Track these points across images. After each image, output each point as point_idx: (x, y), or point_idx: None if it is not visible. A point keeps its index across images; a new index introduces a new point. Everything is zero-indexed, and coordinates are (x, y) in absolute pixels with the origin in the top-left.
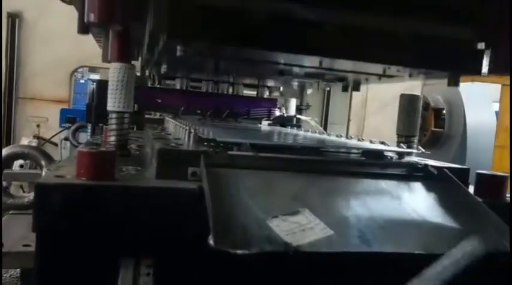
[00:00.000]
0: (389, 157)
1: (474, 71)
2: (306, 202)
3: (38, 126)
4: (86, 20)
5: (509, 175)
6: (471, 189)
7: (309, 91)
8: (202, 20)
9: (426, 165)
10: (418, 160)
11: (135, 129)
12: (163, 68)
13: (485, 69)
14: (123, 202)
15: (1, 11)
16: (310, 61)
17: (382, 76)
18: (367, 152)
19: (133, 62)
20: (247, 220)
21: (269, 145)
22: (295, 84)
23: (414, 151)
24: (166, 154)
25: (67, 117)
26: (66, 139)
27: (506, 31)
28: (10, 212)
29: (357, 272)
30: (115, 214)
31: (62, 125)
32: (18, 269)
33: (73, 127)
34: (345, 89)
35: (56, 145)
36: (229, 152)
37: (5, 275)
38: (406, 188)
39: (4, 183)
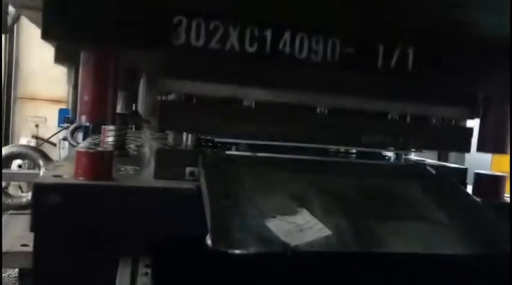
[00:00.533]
0: (387, 157)
1: (463, 149)
2: (303, 202)
3: (37, 126)
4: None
5: (507, 175)
6: (469, 189)
7: None
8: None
9: (424, 165)
10: (417, 159)
11: (133, 129)
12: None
13: (473, 147)
14: (121, 202)
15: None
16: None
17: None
18: (365, 152)
19: None
20: (245, 220)
21: (267, 144)
22: None
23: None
24: (164, 154)
25: (66, 117)
26: (64, 139)
27: (493, 111)
28: (9, 212)
29: (355, 272)
30: (113, 214)
31: (61, 125)
32: (17, 269)
33: (71, 127)
34: None
35: (55, 145)
36: (227, 152)
37: (3, 275)
38: (404, 187)
39: (3, 183)
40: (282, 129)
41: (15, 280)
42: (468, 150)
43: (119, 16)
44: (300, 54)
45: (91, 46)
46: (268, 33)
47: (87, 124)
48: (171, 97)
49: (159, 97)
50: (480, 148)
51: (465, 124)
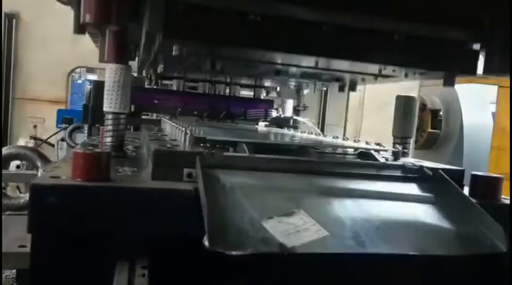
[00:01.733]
0: (384, 159)
1: (469, 72)
2: (301, 203)
3: (35, 126)
4: (81, 21)
5: (503, 176)
6: (466, 190)
7: (306, 91)
8: (198, 20)
9: (421, 166)
10: (414, 161)
11: (131, 130)
12: (160, 68)
13: (480, 69)
14: (118, 203)
15: (1, 11)
16: (307, 62)
17: (378, 76)
18: (361, 154)
19: (130, 62)
20: (243, 221)
21: (264, 146)
22: (292, 84)
23: (407, 151)
24: (162, 155)
25: (64, 118)
26: (62, 140)
27: (501, 32)
28: (6, 213)
29: (352, 273)
30: (110, 215)
31: (59, 126)
32: (14, 270)
33: (69, 128)
34: (341, 89)
35: (53, 146)
36: (225, 153)
37: None
38: (401, 189)
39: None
40: (285, 41)
41: (12, 281)
42: (474, 73)
43: None
44: None
45: None
46: None
47: (90, 22)
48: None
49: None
50: (487, 70)
51: (472, 46)
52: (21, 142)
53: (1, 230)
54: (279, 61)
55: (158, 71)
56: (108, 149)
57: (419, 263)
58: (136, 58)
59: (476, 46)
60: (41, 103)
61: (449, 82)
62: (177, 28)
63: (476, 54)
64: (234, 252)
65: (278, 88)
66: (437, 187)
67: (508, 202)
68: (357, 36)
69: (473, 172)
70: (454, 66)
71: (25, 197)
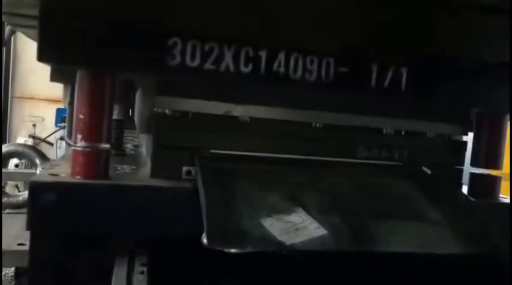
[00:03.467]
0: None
1: (455, 164)
2: (300, 201)
3: (34, 125)
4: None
5: (501, 175)
6: (465, 189)
7: None
8: None
9: (420, 165)
10: None
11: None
12: None
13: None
14: (117, 200)
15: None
16: None
17: None
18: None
19: None
20: (241, 219)
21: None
22: None
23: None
24: (161, 152)
25: (63, 117)
26: (61, 138)
27: (485, 126)
28: (5, 211)
29: (351, 271)
30: (109, 213)
31: (58, 124)
32: (13, 268)
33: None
34: None
35: (52, 144)
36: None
37: None
38: (400, 187)
39: None
40: (276, 143)
41: (11, 279)
42: (462, 164)
43: (114, 38)
44: (295, 74)
45: (86, 68)
46: (263, 54)
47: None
48: (167, 112)
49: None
50: (474, 163)
51: (459, 138)
52: (20, 140)
53: (1, 229)
54: None
55: None
56: (107, 148)
57: (417, 261)
58: None
59: (463, 138)
60: (40, 102)
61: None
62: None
63: (464, 146)
64: (232, 250)
65: None
66: (436, 185)
67: (506, 200)
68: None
69: (472, 171)
70: (442, 158)
71: (24, 195)
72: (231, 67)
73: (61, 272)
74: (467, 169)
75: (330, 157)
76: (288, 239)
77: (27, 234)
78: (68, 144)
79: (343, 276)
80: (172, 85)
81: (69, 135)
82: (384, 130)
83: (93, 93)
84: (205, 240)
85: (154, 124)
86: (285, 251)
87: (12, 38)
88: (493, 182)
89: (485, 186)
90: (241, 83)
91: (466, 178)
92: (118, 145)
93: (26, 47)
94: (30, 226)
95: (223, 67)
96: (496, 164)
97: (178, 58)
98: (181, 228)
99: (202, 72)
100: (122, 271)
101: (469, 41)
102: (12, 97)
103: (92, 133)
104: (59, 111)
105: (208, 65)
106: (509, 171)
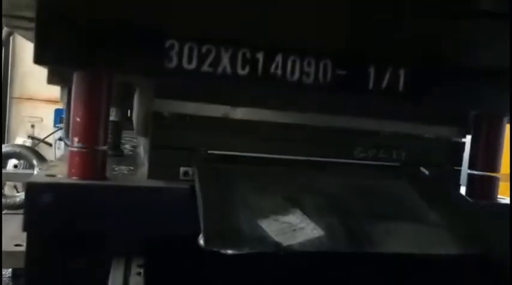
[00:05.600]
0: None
1: (455, 165)
2: (297, 202)
3: (33, 126)
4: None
5: (499, 176)
6: (463, 190)
7: None
8: None
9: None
10: None
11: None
12: None
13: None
14: (113, 201)
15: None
16: None
17: None
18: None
19: None
20: (238, 220)
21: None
22: None
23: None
24: (158, 153)
25: (62, 117)
26: (60, 139)
27: (484, 129)
28: (3, 212)
29: (348, 272)
30: (106, 214)
31: (57, 125)
32: (10, 269)
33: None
34: None
35: (51, 145)
36: (222, 151)
37: None
38: (397, 188)
39: None
40: (275, 145)
41: (8, 280)
42: (459, 165)
43: (111, 40)
44: (292, 76)
45: (83, 70)
46: (260, 56)
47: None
48: (164, 113)
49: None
50: (472, 166)
51: (457, 140)
52: (19, 141)
53: (1, 230)
54: None
55: None
56: (103, 148)
57: (415, 262)
58: None
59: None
60: (39, 103)
61: None
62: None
63: (462, 147)
64: (229, 251)
65: None
66: (434, 186)
67: (504, 201)
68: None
69: (470, 172)
70: (440, 159)
71: (21, 196)
72: (228, 70)
73: (58, 273)
74: (466, 169)
75: (327, 158)
76: (285, 240)
77: (25, 235)
78: (66, 145)
79: (341, 278)
80: (170, 88)
81: (66, 136)
82: (382, 133)
83: (89, 95)
84: (202, 242)
85: (151, 124)
86: (282, 252)
87: (10, 39)
88: (491, 183)
89: (483, 187)
90: (239, 85)
91: (464, 179)
92: (116, 146)
93: (24, 48)
94: (27, 226)
95: (220, 69)
96: (493, 167)
97: (175, 61)
98: (178, 229)
99: (199, 74)
100: (118, 272)
101: (467, 44)
102: (10, 97)
103: (89, 136)
104: (57, 111)
105: (205, 67)
106: (509, 172)
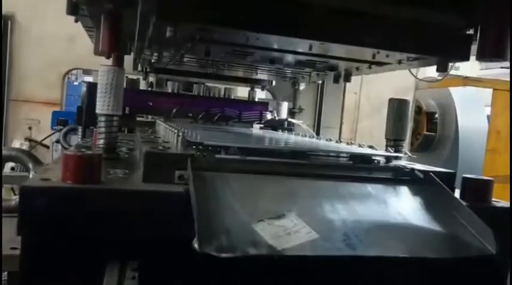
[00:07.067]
0: (376, 161)
1: (462, 57)
2: (292, 206)
3: (30, 128)
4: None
5: (493, 179)
6: (457, 193)
7: (302, 87)
8: (193, 1)
9: (413, 169)
10: (406, 164)
11: (126, 132)
12: (154, 57)
13: (473, 54)
14: (108, 205)
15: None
16: (301, 46)
17: (372, 64)
18: (354, 157)
19: (124, 65)
20: (233, 224)
21: (256, 149)
22: (287, 76)
23: (400, 155)
24: (153, 157)
25: (59, 119)
26: (57, 141)
27: (494, 19)
28: None
29: (342, 275)
30: (100, 217)
31: (54, 127)
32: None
33: (64, 130)
34: (336, 80)
35: (48, 147)
36: (217, 155)
37: None
38: (392, 192)
39: None
40: (279, 23)
41: (4, 283)
42: (467, 58)
43: None
44: None
45: None
46: None
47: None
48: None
49: None
50: (480, 56)
51: (465, 31)
52: (16, 143)
53: (1, 232)
54: (274, 47)
55: (152, 60)
56: (99, 151)
57: (409, 265)
58: (132, 54)
59: (470, 31)
60: (36, 105)
61: (442, 67)
62: (170, 9)
63: (469, 39)
64: (223, 255)
65: (274, 83)
66: (428, 189)
67: (499, 204)
68: (350, 19)
69: (464, 175)
70: (448, 51)
71: (16, 199)
72: None
73: (52, 276)
74: (460, 173)
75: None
76: (279, 244)
77: (20, 238)
78: (63, 147)
79: (335, 281)
80: None
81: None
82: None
83: None
84: (196, 245)
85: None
86: (276, 255)
87: (8, 40)
88: (485, 186)
89: (478, 190)
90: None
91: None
92: (111, 149)
93: (22, 50)
94: (21, 230)
95: None
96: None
97: None
98: (173, 232)
99: None
100: (113, 276)
101: None
102: (8, 99)
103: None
104: (54, 113)
105: None
106: (509, 172)
